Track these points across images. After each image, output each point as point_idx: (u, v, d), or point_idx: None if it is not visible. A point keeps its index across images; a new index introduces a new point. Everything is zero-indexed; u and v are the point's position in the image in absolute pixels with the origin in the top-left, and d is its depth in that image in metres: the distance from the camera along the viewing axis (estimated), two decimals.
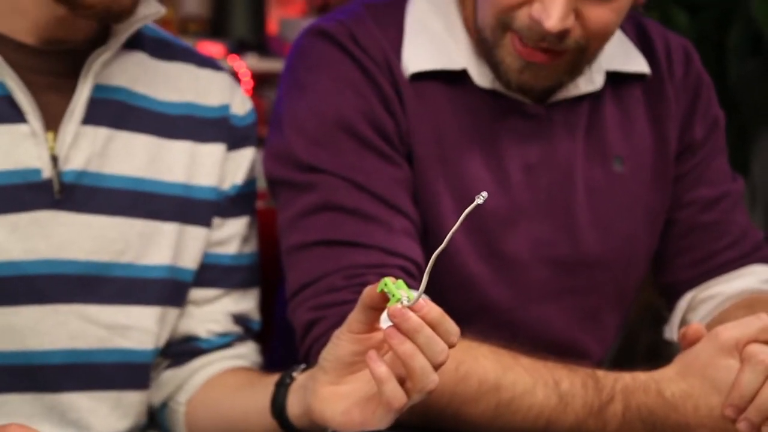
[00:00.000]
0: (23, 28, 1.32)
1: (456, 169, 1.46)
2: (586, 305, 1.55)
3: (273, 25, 3.35)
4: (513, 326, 1.49)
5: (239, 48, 3.43)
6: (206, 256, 1.43)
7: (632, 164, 1.54)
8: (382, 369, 1.07)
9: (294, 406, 1.24)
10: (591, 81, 1.51)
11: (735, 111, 2.98)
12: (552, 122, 1.50)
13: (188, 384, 1.43)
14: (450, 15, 1.49)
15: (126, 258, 1.35)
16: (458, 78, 1.47)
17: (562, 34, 1.37)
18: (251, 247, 1.48)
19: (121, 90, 1.37)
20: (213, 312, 1.44)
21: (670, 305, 1.63)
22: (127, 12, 1.29)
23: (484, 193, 0.99)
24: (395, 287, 1.06)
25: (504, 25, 1.40)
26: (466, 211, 0.99)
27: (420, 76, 1.46)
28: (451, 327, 1.08)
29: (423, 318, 1.05)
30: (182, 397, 1.43)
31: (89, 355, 1.34)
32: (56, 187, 1.31)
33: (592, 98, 1.52)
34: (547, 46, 1.38)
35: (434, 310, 1.06)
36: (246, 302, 1.47)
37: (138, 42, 1.40)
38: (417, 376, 1.07)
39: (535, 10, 1.36)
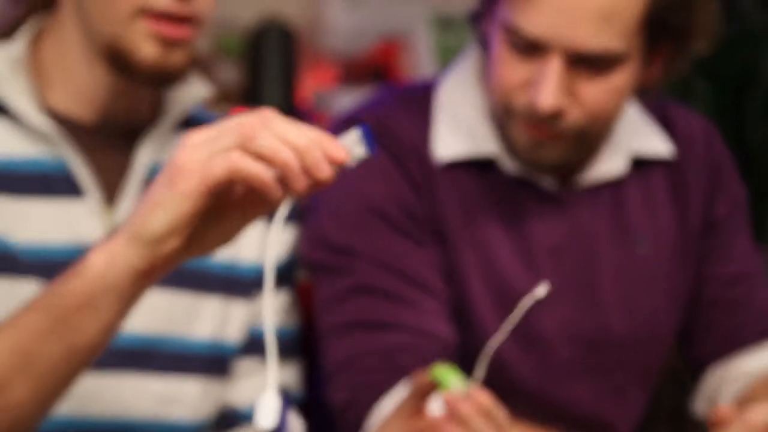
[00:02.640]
0: (82, 107, 1.37)
1: (485, 252, 1.50)
2: (612, 382, 1.57)
3: (305, 96, 3.37)
4: (541, 404, 1.51)
5: None
6: (248, 328, 1.45)
7: (656, 245, 1.57)
8: None
9: None
10: (613, 165, 1.55)
11: (754, 175, 3.00)
12: (577, 206, 1.54)
13: None
14: (479, 100, 1.53)
15: (173, 331, 1.38)
16: (487, 163, 1.51)
17: (556, 115, 1.42)
18: (291, 320, 1.49)
19: None
20: (253, 383, 1.45)
21: (695, 376, 1.65)
22: (180, 71, 1.34)
23: (546, 285, 1.00)
24: (446, 373, 1.09)
25: (507, 107, 1.45)
26: (527, 302, 1.00)
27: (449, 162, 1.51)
28: (501, 417, 1.10)
29: (474, 407, 1.08)
30: None
31: (138, 428, 1.36)
32: None
33: (616, 181, 1.56)
34: (547, 127, 1.43)
35: (485, 400, 1.09)
36: (286, 374, 1.47)
37: (190, 123, 1.42)
38: None
39: (530, 92, 1.41)
